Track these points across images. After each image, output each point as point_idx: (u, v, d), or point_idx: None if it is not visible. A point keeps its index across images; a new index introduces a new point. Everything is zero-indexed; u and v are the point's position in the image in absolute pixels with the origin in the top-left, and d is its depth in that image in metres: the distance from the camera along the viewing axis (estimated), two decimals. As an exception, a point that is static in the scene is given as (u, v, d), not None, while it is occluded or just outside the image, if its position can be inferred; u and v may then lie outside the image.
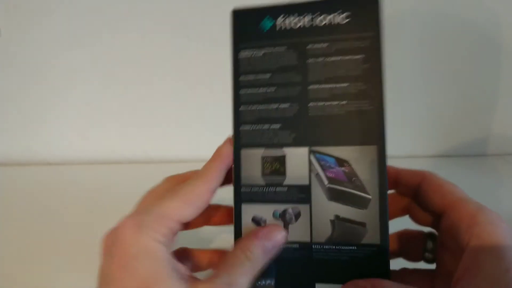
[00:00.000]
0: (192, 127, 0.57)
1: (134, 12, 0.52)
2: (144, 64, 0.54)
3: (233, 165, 0.27)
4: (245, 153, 0.27)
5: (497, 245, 0.21)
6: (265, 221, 0.26)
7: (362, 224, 0.25)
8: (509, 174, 0.54)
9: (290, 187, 0.26)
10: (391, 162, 0.26)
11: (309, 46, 0.26)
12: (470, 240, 0.22)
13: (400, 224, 0.28)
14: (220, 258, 0.28)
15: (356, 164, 0.25)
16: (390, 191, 0.26)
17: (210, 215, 0.29)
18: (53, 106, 0.54)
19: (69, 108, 0.55)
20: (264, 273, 0.25)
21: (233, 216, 0.26)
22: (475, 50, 0.54)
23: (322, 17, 0.26)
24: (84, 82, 0.54)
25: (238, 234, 0.26)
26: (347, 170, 0.26)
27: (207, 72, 0.55)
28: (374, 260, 0.25)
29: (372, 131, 0.25)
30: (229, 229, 0.27)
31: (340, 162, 0.26)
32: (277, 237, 0.25)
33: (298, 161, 0.26)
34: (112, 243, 0.22)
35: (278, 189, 0.26)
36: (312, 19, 0.26)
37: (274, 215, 0.26)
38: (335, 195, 0.25)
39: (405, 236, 0.28)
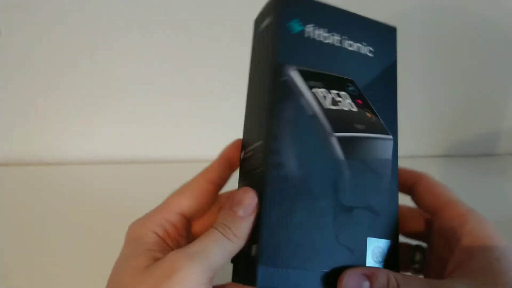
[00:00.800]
0: (192, 127, 0.57)
1: (134, 11, 0.52)
2: (144, 64, 0.54)
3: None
4: None
5: (487, 239, 0.23)
6: None
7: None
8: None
9: None
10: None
11: None
12: (462, 237, 0.23)
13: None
14: None
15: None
16: None
17: None
18: (53, 106, 0.54)
19: (69, 108, 0.54)
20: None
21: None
22: (482, 48, 0.53)
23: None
24: (84, 82, 0.54)
25: None
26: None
27: (208, 72, 0.55)
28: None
29: None
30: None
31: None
32: (245, 200, 0.23)
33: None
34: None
35: None
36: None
37: None
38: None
39: None
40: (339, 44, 0.27)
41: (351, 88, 0.26)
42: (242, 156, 0.27)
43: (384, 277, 0.22)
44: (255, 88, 0.28)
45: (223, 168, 0.27)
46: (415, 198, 0.28)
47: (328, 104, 0.25)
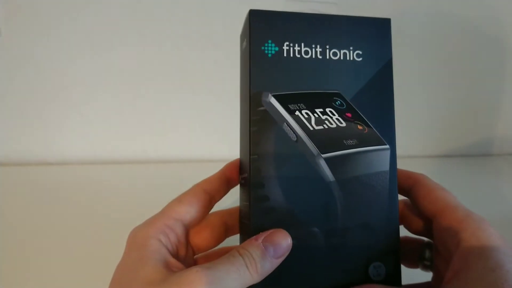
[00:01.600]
0: (192, 127, 0.57)
1: (135, 13, 0.52)
2: (145, 64, 0.54)
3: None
4: None
5: (484, 248, 0.22)
6: None
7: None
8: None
9: None
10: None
11: None
12: (459, 244, 0.23)
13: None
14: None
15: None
16: None
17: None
18: (53, 106, 0.54)
19: (69, 108, 0.55)
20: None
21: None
22: (479, 50, 0.53)
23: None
24: (84, 82, 0.54)
25: None
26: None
27: (207, 72, 0.55)
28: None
29: None
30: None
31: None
32: (280, 241, 0.23)
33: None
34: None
35: None
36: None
37: None
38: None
39: (404, 242, 0.28)
40: (322, 56, 0.25)
41: (337, 103, 0.25)
42: (240, 178, 0.27)
43: None
44: (242, 109, 0.27)
45: (222, 183, 0.27)
46: (412, 202, 0.27)
47: (313, 125, 0.24)
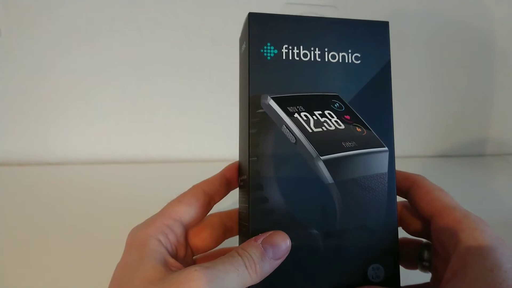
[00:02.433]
0: (192, 127, 0.57)
1: (134, 11, 0.52)
2: (144, 64, 0.54)
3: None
4: None
5: (482, 248, 0.22)
6: None
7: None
8: (508, 174, 0.54)
9: None
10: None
11: None
12: (457, 245, 0.23)
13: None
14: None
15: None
16: None
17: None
18: (53, 106, 0.54)
19: (69, 108, 0.55)
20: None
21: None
22: (475, 52, 0.54)
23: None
24: (84, 82, 0.54)
25: None
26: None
27: (208, 72, 0.55)
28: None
29: None
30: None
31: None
32: (280, 243, 0.23)
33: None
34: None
35: None
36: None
37: None
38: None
39: (402, 243, 0.29)
40: (320, 59, 0.25)
41: (336, 105, 0.25)
42: (239, 180, 0.27)
43: None
44: (241, 111, 0.27)
45: (222, 185, 0.27)
46: (410, 203, 0.27)
47: (311, 127, 0.24)
